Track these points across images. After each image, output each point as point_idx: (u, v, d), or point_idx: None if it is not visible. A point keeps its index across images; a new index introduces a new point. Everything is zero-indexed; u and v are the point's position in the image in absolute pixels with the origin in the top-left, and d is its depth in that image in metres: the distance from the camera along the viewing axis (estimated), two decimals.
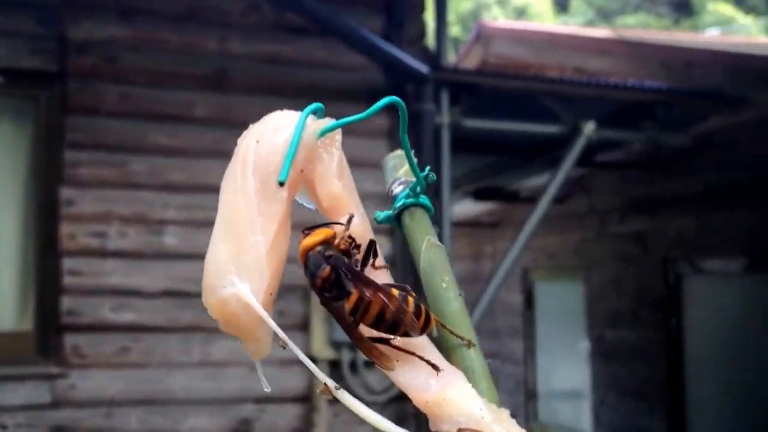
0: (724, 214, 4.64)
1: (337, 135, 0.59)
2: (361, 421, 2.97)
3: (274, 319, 0.55)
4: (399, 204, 0.64)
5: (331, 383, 0.54)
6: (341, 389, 0.53)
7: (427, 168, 0.64)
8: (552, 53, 5.51)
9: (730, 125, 4.55)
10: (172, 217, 3.52)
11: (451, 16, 20.32)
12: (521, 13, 20.26)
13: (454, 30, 19.86)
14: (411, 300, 0.54)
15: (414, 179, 0.64)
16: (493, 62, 6.04)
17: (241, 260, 0.55)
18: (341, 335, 3.49)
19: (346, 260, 0.56)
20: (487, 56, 6.22)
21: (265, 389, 0.61)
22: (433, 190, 3.84)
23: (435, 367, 0.53)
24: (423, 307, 0.55)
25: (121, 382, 3.42)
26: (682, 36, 8.11)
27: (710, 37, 10.52)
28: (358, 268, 0.57)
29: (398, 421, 3.66)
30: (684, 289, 4.91)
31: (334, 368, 3.59)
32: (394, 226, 0.65)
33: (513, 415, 0.51)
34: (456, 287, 0.59)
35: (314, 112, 0.59)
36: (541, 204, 4.11)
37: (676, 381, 4.84)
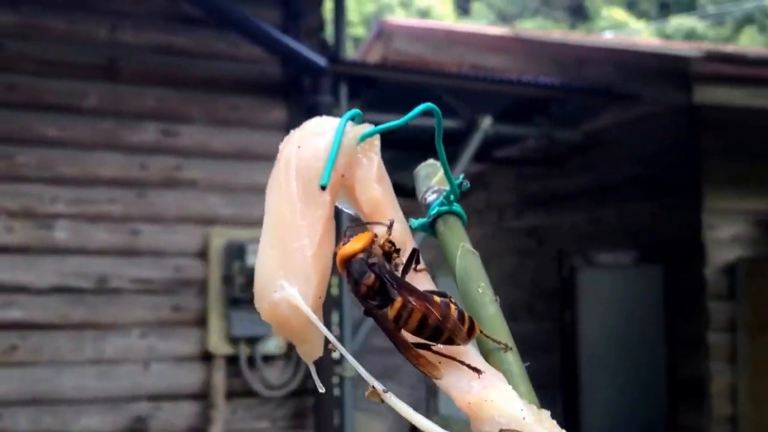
0: (615, 209, 4.80)
1: (376, 140, 0.59)
2: (258, 418, 2.92)
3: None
4: (433, 212, 0.65)
5: (380, 386, 0.54)
6: (389, 392, 0.54)
7: (461, 176, 0.66)
8: (450, 50, 5.59)
9: (620, 121, 4.71)
10: (63, 211, 3.41)
11: (354, 17, 20.37)
12: (424, 14, 20.49)
13: (357, 30, 19.93)
14: (453, 306, 0.55)
15: (446, 187, 0.66)
16: (393, 59, 6.08)
17: (288, 265, 0.56)
18: (239, 330, 3.45)
19: (389, 266, 0.57)
20: (388, 53, 6.27)
21: (320, 390, 0.61)
22: None
23: (476, 370, 0.54)
24: (466, 314, 0.55)
25: (9, 381, 3.28)
26: (575, 35, 8.36)
27: (601, 36, 10.88)
28: (399, 274, 0.58)
29: (297, 417, 3.65)
30: (577, 281, 5.06)
31: (231, 364, 3.54)
32: (428, 234, 0.66)
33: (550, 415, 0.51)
34: (491, 292, 0.60)
35: (352, 118, 0.60)
36: None
37: (571, 371, 4.98)
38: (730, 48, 7.43)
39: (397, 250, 0.58)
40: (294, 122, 3.67)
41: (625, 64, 4.36)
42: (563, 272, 5.11)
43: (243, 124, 3.64)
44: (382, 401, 0.54)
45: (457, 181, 0.64)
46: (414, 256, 0.58)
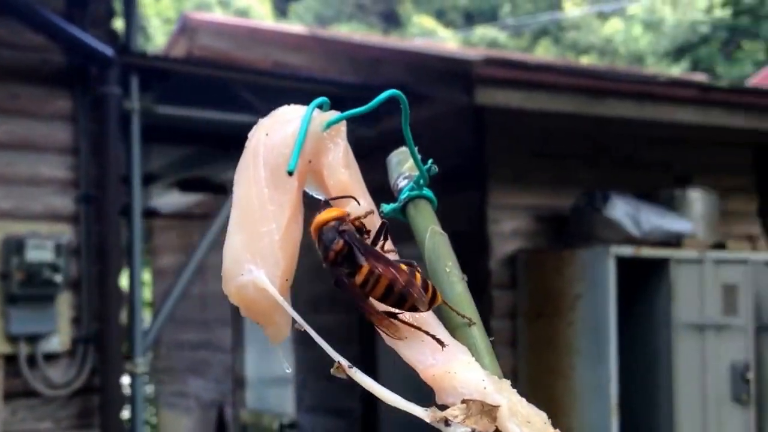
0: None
1: (342, 126, 0.61)
2: (40, 419, 2.81)
3: None
4: (404, 196, 0.67)
5: (345, 362, 0.56)
6: (354, 368, 0.56)
7: (430, 161, 0.68)
8: (254, 47, 5.61)
9: (413, 121, 4.91)
10: None
11: (172, 13, 19.87)
12: (243, 14, 20.30)
13: (174, 27, 19.43)
14: (419, 275, 0.56)
15: (416, 173, 0.68)
16: (198, 54, 6.03)
17: (256, 248, 0.57)
18: (18, 328, 3.31)
19: (359, 236, 0.58)
20: (192, 48, 6.20)
21: (286, 370, 0.60)
22: (123, 179, 3.77)
23: (440, 342, 0.55)
24: (430, 282, 0.57)
25: None
26: (372, 37, 8.61)
27: (396, 39, 11.26)
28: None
29: (83, 416, 3.55)
30: None
31: (10, 363, 3.39)
32: (400, 218, 0.67)
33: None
34: (459, 271, 0.62)
35: (320, 106, 0.61)
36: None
37: (369, 361, 5.14)
38: (516, 55, 7.92)
39: (367, 231, 0.60)
40: (79, 113, 3.58)
41: (416, 65, 4.57)
42: None
43: (23, 114, 3.50)
44: (348, 376, 0.56)
45: (426, 166, 0.67)
46: (383, 229, 0.61)
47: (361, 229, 0.60)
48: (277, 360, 6.08)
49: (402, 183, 0.69)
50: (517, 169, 4.65)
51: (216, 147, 5.24)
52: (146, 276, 8.04)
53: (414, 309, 0.56)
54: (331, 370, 0.57)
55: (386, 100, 0.62)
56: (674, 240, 4.52)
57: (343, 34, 7.02)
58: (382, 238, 0.61)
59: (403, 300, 0.55)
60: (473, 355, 0.56)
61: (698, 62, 17.39)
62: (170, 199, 6.83)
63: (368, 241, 0.60)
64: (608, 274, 4.07)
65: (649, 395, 4.25)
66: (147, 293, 8.23)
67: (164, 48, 6.91)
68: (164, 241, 7.70)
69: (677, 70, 16.26)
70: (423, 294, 0.56)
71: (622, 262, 4.17)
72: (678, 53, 17.72)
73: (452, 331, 0.58)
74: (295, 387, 5.75)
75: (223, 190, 6.12)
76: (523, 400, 0.54)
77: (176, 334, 7.28)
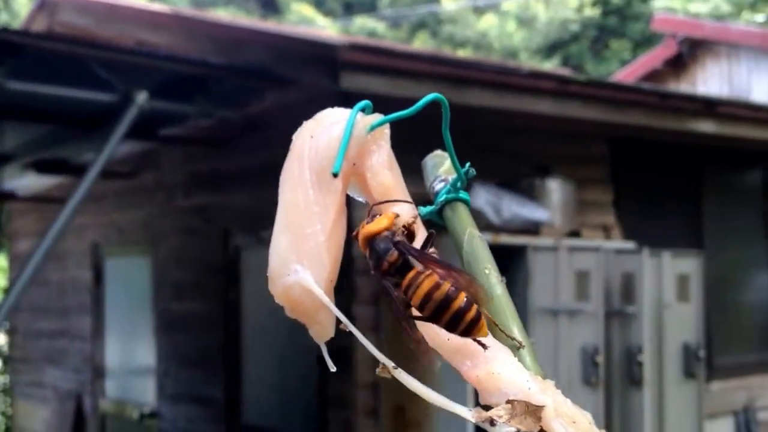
0: (277, 189, 4.95)
1: (385, 129, 0.61)
2: None
3: None
4: (441, 199, 0.66)
5: (390, 363, 0.54)
6: (398, 368, 0.54)
7: (467, 164, 0.65)
8: (115, 25, 5.42)
9: (281, 105, 4.87)
10: None
11: None
12: None
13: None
14: (475, 285, 0.54)
15: (453, 176, 0.66)
16: (58, 31, 5.77)
17: (302, 249, 0.57)
18: None
19: (409, 243, 0.57)
20: (53, 24, 5.94)
21: (331, 369, 0.61)
22: None
23: (482, 345, 0.54)
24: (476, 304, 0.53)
25: None
26: (240, 19, 8.47)
27: (261, 21, 11.16)
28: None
29: None
30: (242, 260, 5.16)
31: None
32: (437, 221, 0.66)
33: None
34: (497, 274, 0.60)
35: (363, 109, 0.61)
36: (88, 176, 4.03)
37: (234, 349, 5.07)
38: (386, 42, 7.98)
39: (413, 234, 0.58)
40: None
41: (280, 48, 4.52)
42: (229, 251, 5.18)
43: None
44: (392, 377, 0.55)
45: (465, 170, 0.65)
46: (430, 239, 0.59)
47: (412, 233, 0.59)
48: (138, 349, 5.92)
49: (438, 186, 0.68)
50: None
51: (74, 127, 5.03)
52: (2, 262, 7.67)
53: (471, 328, 0.53)
54: (377, 370, 0.56)
55: (429, 102, 0.61)
56: (533, 228, 4.67)
57: (207, 15, 6.87)
58: (430, 245, 0.60)
59: (444, 307, 0.53)
60: (514, 356, 0.56)
61: (569, 59, 18.04)
62: (28, 182, 6.53)
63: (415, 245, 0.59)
64: None
65: None
66: (3, 280, 7.85)
67: (22, 24, 6.58)
68: (22, 225, 7.36)
69: (549, 66, 16.80)
70: (471, 300, 0.53)
71: None
72: (550, 50, 18.31)
73: (491, 330, 0.57)
74: (157, 376, 5.61)
75: (81, 172, 5.89)
76: (568, 400, 0.54)
77: (33, 322, 6.98)
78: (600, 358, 4.27)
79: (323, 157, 0.60)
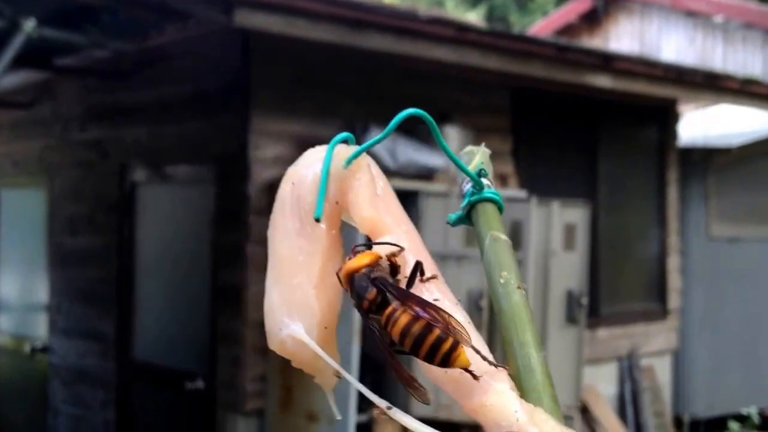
0: (174, 126, 4.90)
1: (363, 160, 0.59)
2: None
3: None
4: (464, 203, 0.63)
5: (384, 403, 0.53)
6: (393, 407, 0.53)
7: (479, 163, 0.63)
8: None
9: (181, 39, 4.78)
10: None
11: None
12: None
13: None
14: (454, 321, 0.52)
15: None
16: None
17: (291, 301, 0.56)
18: None
19: (392, 281, 0.55)
20: None
21: (337, 417, 0.60)
22: None
23: (474, 376, 0.52)
24: (457, 338, 0.52)
25: None
26: None
27: None
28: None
29: None
30: (138, 195, 5.11)
31: None
32: (468, 225, 0.63)
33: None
34: (516, 281, 0.57)
35: (345, 141, 0.59)
36: None
37: (126, 285, 5.05)
38: None
39: (396, 268, 0.56)
40: None
41: None
42: (124, 186, 5.12)
43: None
44: (390, 417, 0.53)
45: (477, 170, 0.62)
46: (417, 268, 0.56)
47: (395, 268, 0.57)
48: (32, 283, 5.83)
49: (466, 187, 0.65)
50: (282, 96, 4.66)
51: None
52: None
53: (447, 359, 0.52)
54: (374, 414, 0.55)
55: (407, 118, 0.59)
56: (427, 174, 4.74)
57: None
58: (419, 272, 0.57)
59: (438, 345, 0.51)
60: (522, 376, 0.54)
61: (494, 10, 18.11)
62: None
63: (402, 277, 0.57)
64: None
65: None
66: None
67: None
68: None
69: (473, 17, 16.83)
70: (461, 343, 0.51)
71: None
72: (475, 0, 18.32)
73: (503, 345, 0.56)
74: (49, 311, 5.55)
75: None
76: (558, 426, 0.51)
77: None
78: (484, 302, 4.40)
79: (304, 202, 0.59)
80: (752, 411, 6.63)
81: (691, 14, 9.94)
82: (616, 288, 6.28)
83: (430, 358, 0.52)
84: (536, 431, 0.51)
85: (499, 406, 0.52)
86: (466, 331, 0.53)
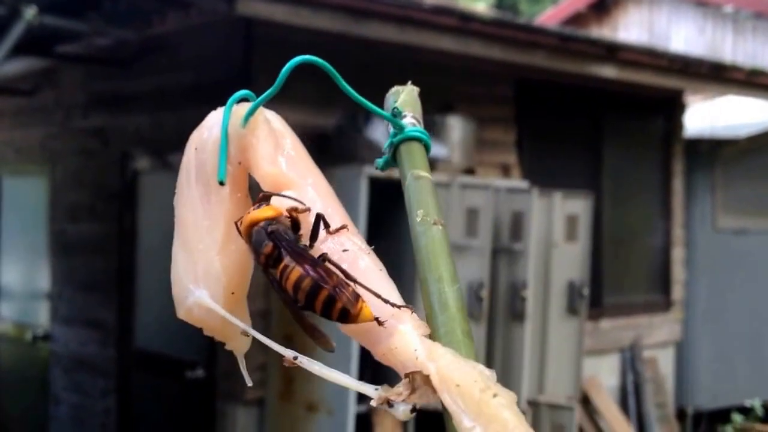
0: (175, 114, 4.88)
1: (259, 116, 0.57)
2: None
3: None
4: (387, 145, 0.61)
5: (290, 353, 0.53)
6: (299, 356, 0.53)
7: (392, 101, 0.60)
8: None
9: (183, 28, 4.76)
10: None
11: None
12: None
13: None
14: (351, 288, 0.51)
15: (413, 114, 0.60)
16: None
17: (196, 268, 0.55)
18: None
19: (290, 236, 0.53)
20: None
21: (248, 384, 0.59)
22: None
23: (378, 322, 0.51)
24: (359, 292, 0.52)
25: None
26: None
27: None
28: (306, 243, 0.54)
29: None
30: (140, 184, 5.09)
31: None
32: (395, 167, 0.61)
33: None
34: (434, 217, 0.55)
35: (245, 99, 0.57)
36: None
37: (128, 273, 5.04)
38: None
39: (298, 224, 0.55)
40: None
41: None
42: (126, 174, 5.11)
43: None
44: (298, 365, 0.53)
45: (392, 109, 0.60)
46: (319, 220, 0.55)
47: (296, 222, 0.55)
48: (34, 270, 5.84)
49: (390, 129, 0.64)
50: (284, 86, 4.62)
51: None
52: None
53: (344, 316, 0.51)
54: (284, 363, 0.55)
55: (296, 66, 0.58)
56: (430, 163, 4.71)
57: None
58: (323, 225, 0.55)
59: (331, 303, 0.51)
60: (432, 314, 0.52)
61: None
62: None
63: (304, 230, 0.55)
64: (360, 192, 4.19)
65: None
66: None
67: None
68: None
69: (482, 6, 16.74)
70: (352, 301, 0.51)
71: (377, 182, 4.30)
72: None
73: (420, 284, 0.55)
74: (50, 299, 5.56)
75: None
76: (455, 359, 0.49)
77: None
78: (484, 293, 4.38)
79: (207, 166, 0.57)
80: (756, 403, 6.61)
81: (700, 4, 9.85)
82: (620, 279, 6.25)
83: (326, 315, 0.51)
84: (433, 366, 0.49)
85: (403, 347, 0.51)
86: (359, 295, 0.52)
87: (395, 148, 0.62)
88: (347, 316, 0.51)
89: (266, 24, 4.29)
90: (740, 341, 6.86)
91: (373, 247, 0.56)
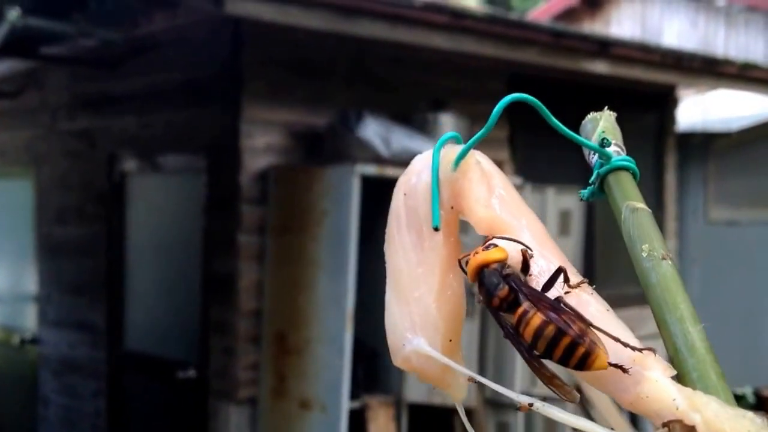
0: (163, 115, 4.82)
1: (470, 158, 0.56)
2: None
3: None
4: (593, 177, 0.59)
5: (526, 400, 0.51)
6: (534, 404, 0.52)
7: (600, 131, 0.58)
8: None
9: (170, 27, 4.70)
10: None
11: None
12: None
13: None
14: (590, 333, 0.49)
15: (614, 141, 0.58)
16: None
17: (413, 316, 0.55)
18: None
19: (523, 279, 0.52)
20: None
21: (470, 430, 0.56)
22: None
23: (623, 369, 0.49)
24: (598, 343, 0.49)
25: None
26: None
27: None
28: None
29: None
30: (128, 185, 5.03)
31: None
32: (603, 198, 0.59)
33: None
34: (661, 251, 0.53)
35: (453, 140, 0.56)
36: None
37: (117, 275, 4.99)
38: None
39: (527, 268, 0.53)
40: None
41: None
42: (113, 176, 5.05)
43: None
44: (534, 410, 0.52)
45: (599, 138, 0.57)
46: (558, 274, 0.53)
47: (527, 268, 0.54)
48: (20, 273, 5.77)
49: (594, 159, 0.61)
50: (274, 84, 4.58)
51: None
52: None
53: (583, 363, 0.49)
54: (517, 408, 0.53)
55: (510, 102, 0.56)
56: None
57: None
58: (564, 281, 0.53)
59: (572, 350, 0.49)
60: (677, 357, 0.51)
61: None
62: None
63: (532, 278, 0.54)
64: (352, 191, 4.13)
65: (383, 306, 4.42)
66: None
67: None
68: None
69: (473, 2, 16.69)
70: (593, 347, 0.49)
71: (370, 181, 4.25)
72: None
73: (658, 324, 0.53)
74: (38, 302, 5.49)
75: None
76: (722, 408, 0.47)
77: None
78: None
79: (419, 212, 0.56)
80: (747, 391, 6.60)
81: None
82: (612, 272, 6.22)
83: (564, 362, 0.50)
84: (698, 417, 0.47)
85: (656, 395, 0.49)
86: (600, 340, 0.50)
87: (602, 178, 0.60)
88: (588, 363, 0.49)
89: (255, 23, 4.24)
90: (732, 332, 6.85)
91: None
